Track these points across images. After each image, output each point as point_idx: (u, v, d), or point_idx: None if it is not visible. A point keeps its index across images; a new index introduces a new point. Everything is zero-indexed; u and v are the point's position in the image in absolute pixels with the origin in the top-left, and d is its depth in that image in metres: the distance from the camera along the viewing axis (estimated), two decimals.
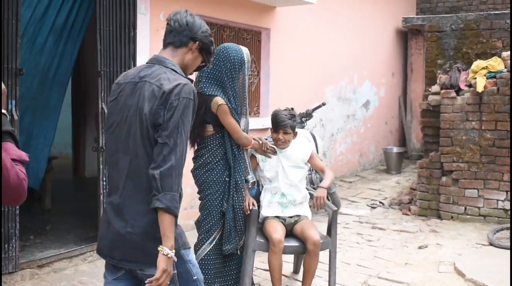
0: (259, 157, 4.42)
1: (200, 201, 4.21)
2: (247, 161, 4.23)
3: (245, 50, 4.12)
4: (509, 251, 5.61)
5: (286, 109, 4.47)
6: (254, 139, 4.32)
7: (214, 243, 4.10)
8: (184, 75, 2.60)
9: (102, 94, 5.09)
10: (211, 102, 3.98)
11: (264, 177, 4.43)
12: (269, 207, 4.34)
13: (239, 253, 4.22)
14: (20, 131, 5.60)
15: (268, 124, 4.60)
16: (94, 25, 5.21)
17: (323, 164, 4.65)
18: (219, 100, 3.98)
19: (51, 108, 5.98)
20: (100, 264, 5.16)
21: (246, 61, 4.10)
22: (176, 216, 2.46)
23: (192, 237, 6.01)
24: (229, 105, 4.01)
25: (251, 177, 4.25)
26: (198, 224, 4.21)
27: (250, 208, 4.17)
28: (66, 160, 9.41)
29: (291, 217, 4.32)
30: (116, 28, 5.22)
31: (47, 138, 6.10)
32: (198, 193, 4.20)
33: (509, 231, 6.00)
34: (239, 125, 4.09)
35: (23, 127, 5.73)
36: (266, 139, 5.33)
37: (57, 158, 7.73)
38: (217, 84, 4.04)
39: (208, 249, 4.09)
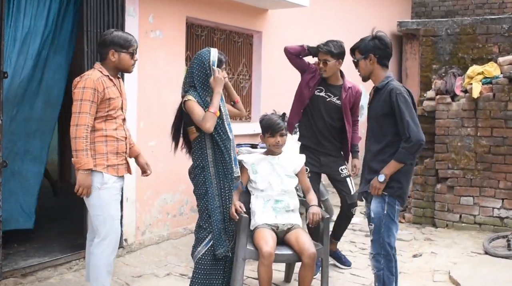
0: (250, 169, 4.45)
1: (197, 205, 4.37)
2: (232, 155, 4.25)
3: (212, 50, 4.25)
4: (505, 259, 5.64)
5: (273, 113, 4.55)
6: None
7: (209, 245, 4.14)
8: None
9: None
10: (184, 103, 4.15)
11: (257, 188, 4.45)
12: (263, 213, 4.35)
13: (230, 255, 4.23)
14: (13, 153, 5.28)
15: (260, 129, 4.61)
16: (81, 27, 5.19)
17: (309, 183, 4.69)
18: (186, 97, 4.15)
19: (46, 125, 5.56)
20: (85, 272, 5.12)
21: (211, 58, 4.19)
22: None
23: (181, 245, 6.03)
24: (199, 101, 4.12)
25: (236, 171, 4.29)
26: (196, 226, 4.31)
27: (239, 212, 4.19)
28: (51, 166, 9.34)
29: (284, 225, 4.33)
30: (104, 30, 5.19)
31: (42, 156, 5.61)
32: (196, 196, 4.33)
33: (505, 240, 6.02)
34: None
35: (17, 149, 5.33)
36: (257, 146, 5.35)
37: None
38: (190, 87, 4.21)
39: (203, 251, 4.13)
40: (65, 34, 5.35)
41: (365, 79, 4.08)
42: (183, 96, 4.22)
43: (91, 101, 3.81)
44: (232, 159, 4.25)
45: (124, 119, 4.14)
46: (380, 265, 3.85)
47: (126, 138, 4.12)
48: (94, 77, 3.86)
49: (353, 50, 4.10)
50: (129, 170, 4.20)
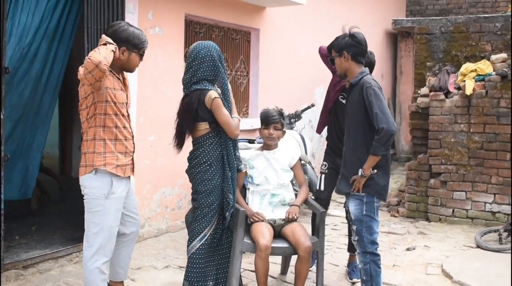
0: (246, 164, 4.47)
1: (193, 199, 4.27)
2: (238, 153, 4.31)
3: (213, 44, 4.23)
4: (496, 253, 5.66)
5: (273, 108, 4.57)
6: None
7: (204, 240, 4.13)
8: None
9: None
10: (205, 96, 4.02)
11: (253, 183, 4.46)
12: (260, 209, 4.37)
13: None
14: (12, 141, 5.59)
15: (257, 125, 4.63)
16: (81, 24, 5.20)
17: (304, 178, 4.72)
18: (213, 94, 4.03)
19: (42, 115, 5.81)
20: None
21: (219, 51, 4.21)
22: None
23: (179, 238, 6.04)
24: (222, 98, 4.08)
25: (243, 166, 4.35)
26: (189, 220, 4.26)
27: (259, 220, 4.24)
28: (52, 159, 9.35)
29: (280, 218, 4.35)
30: (104, 26, 5.19)
31: (39, 145, 5.95)
32: (192, 192, 4.25)
33: (496, 234, 6.04)
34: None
35: (15, 137, 5.65)
36: (255, 141, 5.36)
37: (43, 158, 7.69)
38: (206, 80, 4.11)
39: (198, 245, 4.12)
40: (68, 30, 5.40)
41: (342, 76, 4.14)
42: (187, 92, 4.12)
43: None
44: (238, 154, 4.31)
45: (128, 116, 3.90)
46: (366, 259, 3.93)
47: (133, 137, 3.94)
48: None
49: (329, 49, 4.16)
50: (133, 171, 3.94)
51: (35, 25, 5.18)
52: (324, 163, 5.04)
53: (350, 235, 5.14)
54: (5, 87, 4.95)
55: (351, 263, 5.12)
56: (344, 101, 4.90)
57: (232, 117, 4.11)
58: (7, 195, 5.67)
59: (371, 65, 4.73)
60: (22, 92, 5.49)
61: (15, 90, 5.38)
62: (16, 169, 5.82)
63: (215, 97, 4.02)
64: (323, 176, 5.07)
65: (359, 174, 3.84)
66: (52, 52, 5.49)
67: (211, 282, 4.21)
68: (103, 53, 3.43)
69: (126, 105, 3.86)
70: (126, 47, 3.74)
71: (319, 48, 5.17)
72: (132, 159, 3.89)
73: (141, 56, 3.86)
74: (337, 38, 4.06)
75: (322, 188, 5.06)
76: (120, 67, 3.81)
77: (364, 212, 3.89)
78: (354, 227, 3.96)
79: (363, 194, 3.87)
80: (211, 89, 4.06)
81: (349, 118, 4.03)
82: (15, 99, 5.44)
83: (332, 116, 5.08)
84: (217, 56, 4.14)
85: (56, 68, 5.63)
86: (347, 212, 4.20)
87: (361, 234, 3.91)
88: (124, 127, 3.79)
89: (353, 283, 4.93)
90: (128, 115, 3.90)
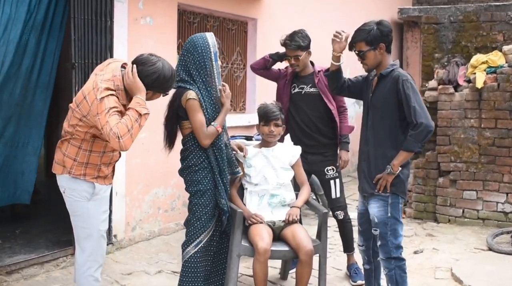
0: (244, 163, 4.46)
1: (188, 202, 4.27)
2: (233, 154, 4.30)
3: (209, 35, 4.15)
4: (509, 256, 5.66)
5: (272, 103, 4.55)
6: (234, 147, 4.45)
7: (200, 246, 4.12)
8: None
9: (76, 88, 5.06)
10: (182, 96, 4.04)
11: (251, 182, 4.45)
12: (258, 211, 4.36)
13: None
14: (4, 143, 5.49)
15: (255, 120, 4.62)
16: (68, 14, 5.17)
17: (305, 177, 4.69)
18: (190, 94, 4.02)
19: (36, 115, 5.66)
20: (73, 270, 5.12)
21: (211, 46, 4.09)
22: None
23: (173, 241, 6.03)
24: (201, 100, 4.04)
25: (239, 170, 4.34)
26: (187, 224, 4.26)
27: (257, 222, 4.23)
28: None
29: (280, 220, 4.34)
30: (92, 17, 5.18)
31: (34, 148, 5.79)
32: (188, 193, 4.27)
33: (509, 235, 6.04)
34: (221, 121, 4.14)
35: (7, 138, 5.51)
36: (253, 138, 5.35)
37: None
38: (188, 76, 4.09)
39: (192, 252, 4.11)
40: (57, 22, 5.35)
41: (370, 70, 4.01)
42: (176, 88, 4.10)
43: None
44: (233, 156, 4.30)
45: None
46: (391, 265, 3.85)
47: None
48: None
49: (354, 43, 3.94)
50: (112, 177, 3.83)
51: (21, 16, 5.07)
52: (332, 167, 5.04)
53: (342, 235, 5.15)
54: None
55: (351, 265, 5.13)
56: (296, 90, 5.05)
57: (211, 124, 4.04)
58: (1, 200, 5.67)
59: (310, 41, 5.10)
60: (12, 90, 5.33)
61: (4, 87, 5.24)
62: (11, 173, 5.69)
63: (189, 98, 3.99)
64: (336, 180, 5.03)
65: (387, 171, 3.77)
66: (42, 46, 5.38)
67: None
68: (134, 131, 3.37)
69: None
70: (152, 91, 3.59)
71: (250, 66, 5.37)
72: (114, 167, 3.82)
73: (162, 95, 3.73)
74: (362, 30, 3.88)
75: (338, 194, 5.03)
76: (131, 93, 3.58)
77: (389, 214, 3.82)
78: (377, 231, 3.88)
79: (388, 194, 3.81)
80: (190, 89, 4.03)
81: (376, 111, 3.93)
82: (4, 98, 5.30)
83: (291, 114, 5.08)
84: (205, 53, 4.07)
85: (47, 63, 5.51)
86: (360, 214, 4.14)
87: (385, 238, 3.84)
88: None
89: (358, 285, 4.94)
90: None
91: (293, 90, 5.08)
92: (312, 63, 5.17)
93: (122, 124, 3.31)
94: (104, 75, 3.48)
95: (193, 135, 4.10)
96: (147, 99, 3.56)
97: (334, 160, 5.10)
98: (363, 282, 4.86)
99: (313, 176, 6.06)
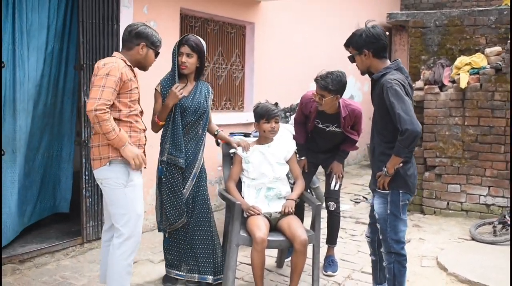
0: (243, 159, 4.47)
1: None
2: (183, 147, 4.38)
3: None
4: (491, 245, 5.68)
5: (266, 101, 4.59)
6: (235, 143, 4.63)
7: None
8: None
9: (85, 88, 5.05)
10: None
11: (248, 176, 4.46)
12: (256, 203, 4.37)
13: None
14: (42, 153, 5.36)
15: (252, 118, 4.63)
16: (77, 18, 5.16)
17: (300, 171, 4.70)
18: (157, 85, 4.41)
19: (66, 121, 5.54)
20: (82, 259, 5.14)
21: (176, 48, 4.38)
22: None
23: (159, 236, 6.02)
24: (163, 91, 4.34)
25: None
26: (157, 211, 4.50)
27: (255, 214, 4.24)
28: None
29: (276, 212, 4.35)
30: (99, 20, 5.18)
31: (68, 154, 5.65)
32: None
33: (491, 226, 6.06)
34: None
35: (43, 149, 5.36)
36: (251, 134, 5.36)
37: None
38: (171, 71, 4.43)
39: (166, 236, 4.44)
40: (74, 28, 5.29)
41: (363, 73, 3.92)
42: None
43: (113, 89, 3.53)
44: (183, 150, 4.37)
45: (141, 112, 3.90)
46: (391, 259, 3.79)
47: (145, 130, 3.91)
48: (119, 65, 3.59)
49: (346, 47, 3.90)
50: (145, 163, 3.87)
51: (44, 23, 5.00)
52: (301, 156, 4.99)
53: (328, 226, 5.11)
54: (28, 96, 4.93)
55: (328, 256, 5.06)
56: (320, 126, 4.84)
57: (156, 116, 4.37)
58: (42, 211, 5.55)
59: (344, 87, 4.61)
60: (45, 100, 5.21)
61: (39, 98, 5.11)
62: (50, 183, 5.57)
63: (155, 88, 4.38)
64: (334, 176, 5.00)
65: (383, 172, 3.72)
66: (64, 53, 5.31)
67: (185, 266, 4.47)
68: (117, 139, 3.59)
69: (138, 101, 3.87)
70: (145, 43, 3.81)
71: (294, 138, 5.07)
72: (144, 152, 3.88)
73: (156, 55, 3.94)
74: (354, 34, 3.80)
75: (337, 187, 4.97)
76: (136, 63, 3.84)
77: (389, 211, 3.74)
78: (379, 226, 3.84)
79: (388, 191, 3.74)
80: (160, 81, 4.40)
81: (376, 113, 3.84)
82: (39, 109, 5.15)
83: (313, 135, 4.99)
84: (174, 50, 4.37)
85: (70, 69, 5.42)
86: (371, 207, 4.05)
87: (385, 233, 3.78)
88: (137, 121, 3.80)
89: (328, 276, 4.89)
90: (141, 111, 3.91)
91: (317, 124, 4.85)
92: (338, 103, 4.77)
93: (110, 121, 3.52)
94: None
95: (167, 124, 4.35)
96: (143, 57, 3.85)
97: (341, 159, 5.06)
98: (335, 274, 4.90)
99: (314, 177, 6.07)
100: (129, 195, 3.70)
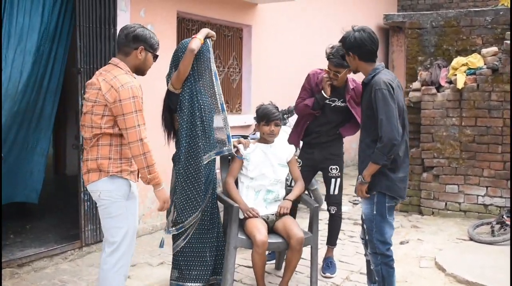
0: (244, 155, 4.46)
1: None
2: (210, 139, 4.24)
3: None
4: (489, 245, 5.68)
5: (269, 103, 4.57)
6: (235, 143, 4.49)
7: (188, 239, 4.19)
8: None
9: (82, 92, 5.05)
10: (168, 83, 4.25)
11: (247, 175, 4.45)
12: (254, 205, 4.37)
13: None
14: (16, 145, 5.52)
15: (250, 121, 4.62)
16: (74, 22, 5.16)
17: (299, 173, 4.69)
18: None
19: (45, 119, 5.64)
20: (81, 263, 5.13)
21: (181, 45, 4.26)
22: None
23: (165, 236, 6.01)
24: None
25: (226, 149, 4.26)
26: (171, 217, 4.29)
27: (253, 217, 4.23)
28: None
29: (273, 214, 4.35)
30: (96, 24, 5.18)
31: (42, 149, 5.80)
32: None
33: (489, 226, 6.06)
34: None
35: (18, 141, 5.55)
36: (248, 137, 5.35)
37: None
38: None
39: (182, 245, 4.19)
40: (65, 30, 5.32)
41: (355, 72, 3.97)
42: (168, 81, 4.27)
43: (141, 110, 3.46)
44: (209, 142, 4.23)
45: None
46: (377, 261, 3.80)
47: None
48: (135, 83, 3.47)
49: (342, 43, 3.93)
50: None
51: (36, 26, 4.99)
52: (299, 160, 4.88)
53: (329, 228, 5.11)
54: (11, 93, 4.94)
55: (327, 258, 5.05)
56: (329, 102, 4.77)
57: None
58: (10, 197, 5.68)
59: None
60: (28, 97, 5.28)
61: (24, 96, 5.19)
62: (20, 173, 5.72)
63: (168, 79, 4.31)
64: (337, 179, 4.95)
65: (359, 181, 3.71)
66: (53, 54, 5.34)
67: (194, 272, 4.24)
68: (158, 175, 3.55)
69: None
70: (143, 47, 3.59)
71: (296, 112, 5.04)
72: None
73: (155, 58, 3.75)
74: (343, 37, 3.84)
75: (336, 191, 4.95)
76: (134, 68, 3.63)
77: (375, 212, 3.73)
78: (365, 226, 3.85)
79: (374, 193, 3.72)
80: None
81: (364, 117, 3.84)
82: (22, 106, 5.23)
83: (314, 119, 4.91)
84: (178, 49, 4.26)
85: (56, 69, 5.47)
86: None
87: (371, 234, 3.78)
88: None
89: (327, 277, 4.87)
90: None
91: (329, 101, 4.81)
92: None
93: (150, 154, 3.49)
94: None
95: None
96: (142, 61, 3.63)
97: (339, 160, 5.00)
98: (333, 276, 4.89)
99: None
100: (129, 208, 3.57)
